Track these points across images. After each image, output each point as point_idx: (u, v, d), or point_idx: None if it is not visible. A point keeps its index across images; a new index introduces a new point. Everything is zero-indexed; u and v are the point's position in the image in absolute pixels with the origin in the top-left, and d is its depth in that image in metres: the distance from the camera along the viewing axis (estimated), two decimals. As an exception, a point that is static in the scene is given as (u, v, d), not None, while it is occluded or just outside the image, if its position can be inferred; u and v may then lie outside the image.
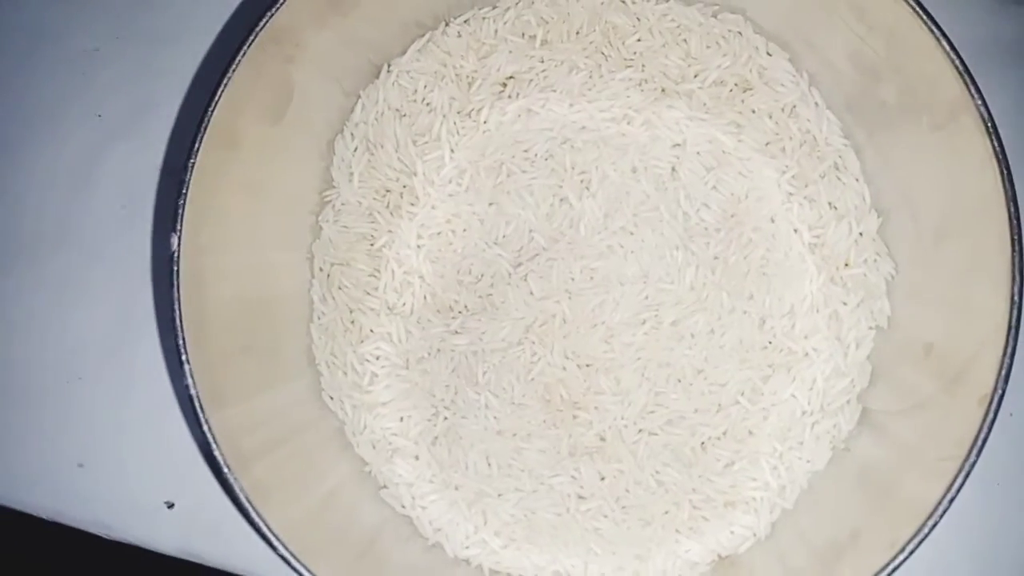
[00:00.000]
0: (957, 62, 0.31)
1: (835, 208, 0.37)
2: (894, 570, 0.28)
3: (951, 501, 0.28)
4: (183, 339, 0.30)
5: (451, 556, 0.36)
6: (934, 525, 0.28)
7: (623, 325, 0.36)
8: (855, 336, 0.36)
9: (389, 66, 0.38)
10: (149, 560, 0.41)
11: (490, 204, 0.38)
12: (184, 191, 0.31)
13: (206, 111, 0.31)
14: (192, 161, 0.31)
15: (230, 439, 0.31)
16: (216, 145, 0.32)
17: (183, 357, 0.30)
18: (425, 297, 0.38)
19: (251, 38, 0.32)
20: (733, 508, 0.36)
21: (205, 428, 0.30)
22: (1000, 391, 0.28)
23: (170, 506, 0.40)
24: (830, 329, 0.36)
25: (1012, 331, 0.29)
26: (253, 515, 0.30)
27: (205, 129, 0.31)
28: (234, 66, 0.32)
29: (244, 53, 0.32)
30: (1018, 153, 0.36)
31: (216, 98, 0.31)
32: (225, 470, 0.31)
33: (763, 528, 0.35)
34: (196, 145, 0.31)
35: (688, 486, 0.36)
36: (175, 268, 0.30)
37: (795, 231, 0.37)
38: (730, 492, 0.36)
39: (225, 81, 0.32)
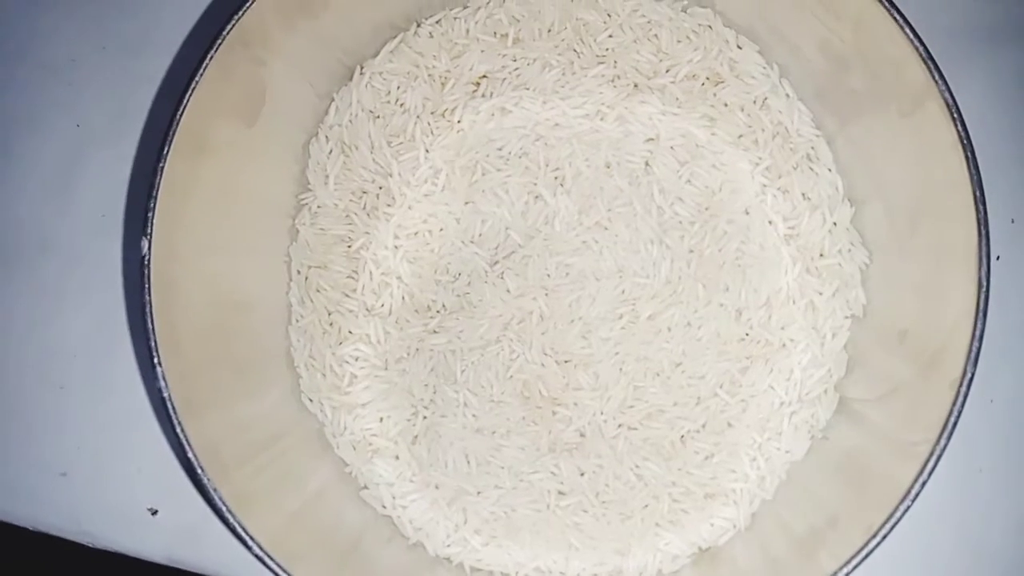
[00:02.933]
0: (921, 49, 0.31)
1: (808, 199, 0.37)
2: (869, 553, 0.28)
3: (923, 484, 0.28)
4: (156, 345, 0.30)
5: (432, 555, 0.36)
6: (908, 508, 0.28)
7: (600, 320, 0.37)
8: (831, 326, 0.36)
9: (362, 68, 0.38)
10: (134, 568, 0.41)
11: (466, 203, 0.38)
12: (154, 195, 0.31)
13: (174, 116, 0.31)
14: (161, 165, 0.31)
15: (209, 447, 0.31)
16: (186, 149, 0.32)
17: (156, 363, 0.30)
18: (403, 297, 0.38)
19: (218, 41, 0.32)
20: (713, 500, 0.36)
21: (182, 437, 0.30)
22: (969, 374, 0.28)
23: (153, 513, 0.40)
24: (806, 319, 0.36)
25: (980, 314, 0.29)
26: (234, 524, 0.30)
27: (174, 134, 0.31)
28: (202, 69, 0.32)
29: (212, 56, 0.32)
30: (989, 139, 0.37)
31: (184, 102, 0.32)
32: (204, 479, 0.31)
33: (743, 519, 0.35)
34: (165, 150, 0.31)
35: (668, 479, 0.36)
36: (146, 272, 0.30)
37: (770, 223, 0.37)
38: (710, 484, 0.36)
39: (193, 85, 0.32)
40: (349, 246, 0.38)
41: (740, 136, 0.37)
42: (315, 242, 0.38)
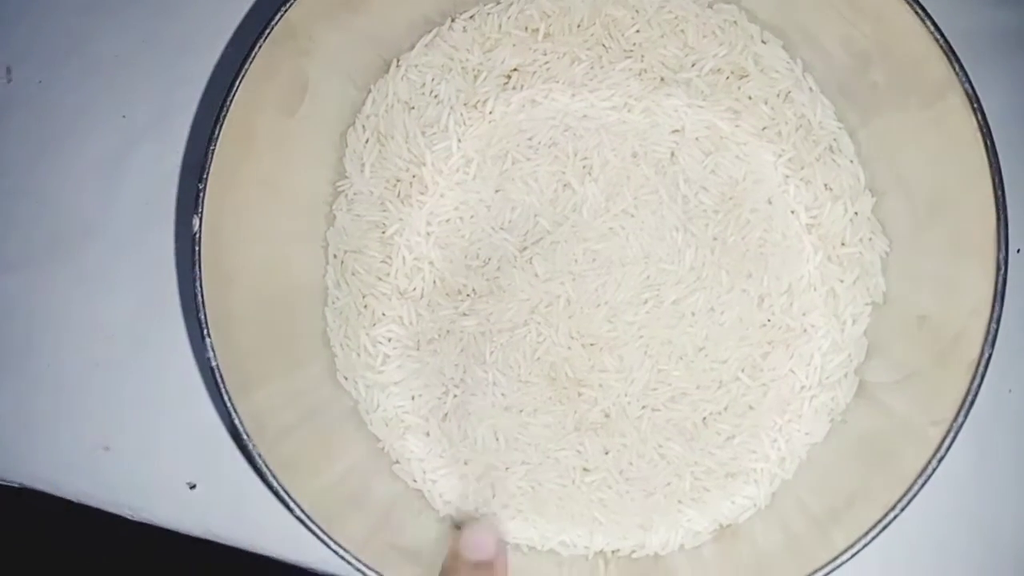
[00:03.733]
0: (942, 42, 0.32)
1: (830, 189, 0.38)
2: (882, 530, 0.29)
3: (940, 461, 0.29)
4: (206, 318, 0.32)
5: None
6: (922, 486, 0.29)
7: (625, 304, 0.38)
8: (851, 312, 0.37)
9: (398, 61, 0.40)
10: (173, 540, 0.42)
11: (496, 191, 0.39)
12: (205, 177, 0.32)
13: (223, 105, 0.33)
14: (212, 148, 0.33)
15: (254, 417, 0.33)
16: (234, 137, 0.34)
17: (206, 334, 0.32)
18: (435, 281, 0.39)
19: (266, 33, 0.34)
20: (734, 479, 0.37)
21: (230, 405, 0.32)
22: (987, 354, 0.29)
23: (192, 487, 0.42)
24: (827, 306, 0.37)
25: (997, 296, 0.29)
26: (278, 487, 0.32)
27: (223, 121, 0.33)
28: (250, 61, 0.33)
29: (259, 48, 0.34)
30: (1008, 140, 0.37)
31: (233, 92, 0.33)
32: (250, 445, 0.32)
33: (763, 498, 0.36)
34: (216, 133, 0.33)
35: (690, 459, 0.37)
36: (197, 249, 0.32)
37: (792, 212, 0.38)
38: (731, 464, 0.37)
39: (241, 75, 0.33)
40: (383, 232, 0.40)
41: (764, 128, 0.39)
42: (351, 228, 0.40)
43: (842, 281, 0.37)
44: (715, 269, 0.38)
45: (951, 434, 0.29)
